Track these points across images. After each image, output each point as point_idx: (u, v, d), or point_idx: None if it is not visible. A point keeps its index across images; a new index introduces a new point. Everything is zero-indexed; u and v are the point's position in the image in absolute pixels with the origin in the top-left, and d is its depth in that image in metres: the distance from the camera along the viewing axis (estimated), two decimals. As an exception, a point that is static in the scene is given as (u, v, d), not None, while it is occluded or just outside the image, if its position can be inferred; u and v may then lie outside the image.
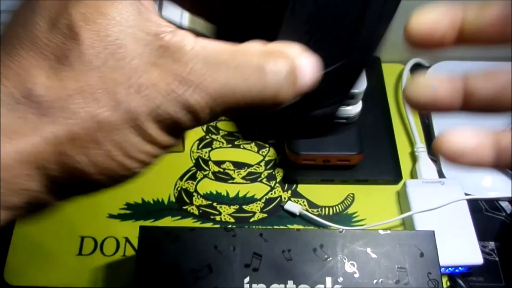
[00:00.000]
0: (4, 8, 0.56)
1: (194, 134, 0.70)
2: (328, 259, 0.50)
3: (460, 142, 0.22)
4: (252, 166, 0.68)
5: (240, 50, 0.23)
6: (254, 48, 0.23)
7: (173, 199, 0.64)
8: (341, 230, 0.52)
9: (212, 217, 0.63)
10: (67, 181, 0.21)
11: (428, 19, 0.22)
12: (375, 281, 0.49)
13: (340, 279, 0.49)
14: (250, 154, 0.69)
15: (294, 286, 0.48)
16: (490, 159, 0.23)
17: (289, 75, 0.23)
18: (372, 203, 0.65)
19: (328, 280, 0.49)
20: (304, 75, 0.24)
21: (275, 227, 0.63)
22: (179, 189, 0.65)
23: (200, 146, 0.69)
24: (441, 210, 0.59)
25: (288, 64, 0.23)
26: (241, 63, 0.22)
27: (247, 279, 0.48)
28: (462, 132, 0.23)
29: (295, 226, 0.63)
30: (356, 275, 0.49)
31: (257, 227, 0.62)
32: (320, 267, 0.49)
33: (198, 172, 0.67)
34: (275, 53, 0.23)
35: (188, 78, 0.21)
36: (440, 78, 0.23)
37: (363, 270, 0.49)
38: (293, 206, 0.64)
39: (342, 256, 0.50)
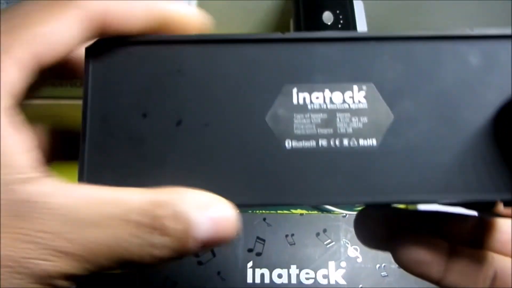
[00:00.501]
0: (4, 7, 0.55)
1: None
2: (331, 244, 0.49)
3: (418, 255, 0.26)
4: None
5: (117, 200, 0.20)
6: (136, 199, 0.20)
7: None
8: (344, 214, 0.51)
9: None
10: None
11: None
12: (378, 265, 0.49)
13: (343, 264, 0.49)
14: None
15: (297, 270, 0.48)
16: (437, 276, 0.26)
17: (179, 235, 0.20)
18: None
19: (331, 264, 0.48)
20: (202, 232, 0.20)
21: (278, 211, 0.62)
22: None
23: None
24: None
25: (178, 223, 0.20)
26: (114, 217, 0.19)
27: (250, 264, 0.48)
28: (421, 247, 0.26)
29: (299, 211, 0.62)
30: (359, 260, 0.49)
31: (260, 211, 0.62)
32: (323, 252, 0.49)
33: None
34: (163, 207, 0.20)
35: (44, 241, 0.18)
36: None
37: (366, 254, 0.49)
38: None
39: (345, 240, 0.49)
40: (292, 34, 0.23)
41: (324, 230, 0.50)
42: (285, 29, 0.70)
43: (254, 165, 0.22)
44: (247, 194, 0.22)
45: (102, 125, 0.23)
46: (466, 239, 0.27)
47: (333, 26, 0.57)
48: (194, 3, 0.63)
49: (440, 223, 0.28)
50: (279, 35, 0.23)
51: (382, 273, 0.48)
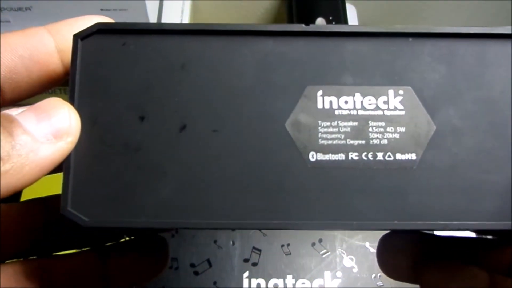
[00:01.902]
0: (5, 6, 0.50)
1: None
2: (327, 254, 0.46)
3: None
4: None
5: None
6: None
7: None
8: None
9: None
10: None
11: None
12: (373, 275, 0.45)
13: (339, 274, 0.45)
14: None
15: (293, 280, 0.44)
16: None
17: None
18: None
19: (327, 274, 0.45)
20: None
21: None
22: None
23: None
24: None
25: None
26: None
27: (246, 274, 0.44)
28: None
29: (293, 219, 0.57)
30: (355, 270, 0.45)
31: (255, 220, 0.57)
32: (319, 262, 0.45)
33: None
34: None
35: None
36: None
37: (362, 264, 0.45)
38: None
39: (341, 250, 0.46)
40: (317, 27, 0.17)
41: (320, 240, 0.46)
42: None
43: (271, 182, 0.17)
44: (261, 216, 0.17)
45: (92, 129, 0.17)
46: (506, 269, 0.21)
47: (326, 32, 0.53)
48: (188, 8, 0.59)
49: (477, 250, 0.22)
50: (301, 27, 0.17)
51: (378, 283, 0.44)
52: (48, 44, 0.18)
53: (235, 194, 0.17)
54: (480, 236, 0.23)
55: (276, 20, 0.66)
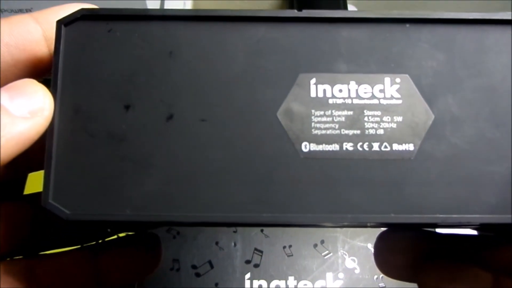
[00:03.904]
0: (5, 7, 0.50)
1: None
2: (329, 255, 0.44)
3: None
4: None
5: None
6: None
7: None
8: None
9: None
10: None
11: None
12: (376, 276, 0.43)
13: (341, 275, 0.43)
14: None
15: (295, 282, 0.43)
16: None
17: None
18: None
19: (329, 275, 0.43)
20: None
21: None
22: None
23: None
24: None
25: None
26: None
27: (248, 275, 0.43)
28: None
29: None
30: (357, 271, 0.44)
31: (258, 222, 0.56)
32: (320, 263, 0.44)
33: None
34: None
35: None
36: None
37: (364, 265, 0.44)
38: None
39: (343, 251, 0.44)
40: (310, 12, 0.16)
41: (322, 241, 0.45)
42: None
43: (261, 174, 0.16)
44: (252, 209, 0.15)
45: (74, 118, 0.16)
46: (510, 268, 0.20)
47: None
48: (189, 3, 0.59)
49: (480, 249, 0.20)
50: (293, 12, 0.16)
51: (380, 284, 0.43)
52: (35, 32, 0.17)
53: (224, 187, 0.16)
54: (482, 234, 0.22)
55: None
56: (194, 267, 0.43)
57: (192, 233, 0.44)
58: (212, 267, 0.43)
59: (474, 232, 0.22)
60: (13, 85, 0.16)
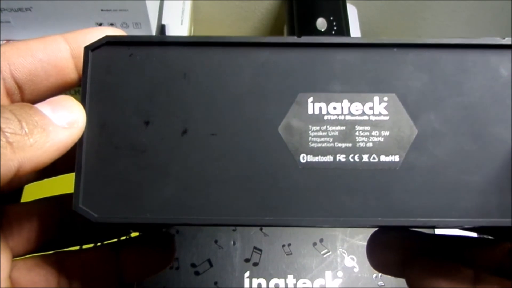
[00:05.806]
0: (5, 7, 0.52)
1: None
2: (328, 253, 0.47)
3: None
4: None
5: None
6: None
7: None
8: (341, 224, 0.47)
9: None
10: None
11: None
12: (374, 275, 0.46)
13: (340, 273, 0.46)
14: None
15: (294, 280, 0.45)
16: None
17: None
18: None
19: (328, 274, 0.46)
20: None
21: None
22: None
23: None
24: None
25: None
26: None
27: (247, 274, 0.45)
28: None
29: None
30: (356, 269, 0.46)
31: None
32: (320, 262, 0.46)
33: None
34: None
35: None
36: None
37: (363, 264, 0.47)
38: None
39: (342, 250, 0.47)
40: (308, 39, 0.20)
41: (321, 240, 0.47)
42: (279, 35, 0.67)
43: (265, 181, 0.19)
44: (256, 213, 0.19)
45: (101, 131, 0.20)
46: (493, 267, 0.23)
47: (327, 32, 0.54)
48: (188, 9, 0.61)
49: (462, 248, 0.24)
50: (294, 39, 0.20)
51: (379, 283, 0.46)
52: (64, 51, 0.21)
53: (232, 193, 0.19)
54: (467, 235, 0.25)
55: (276, 20, 0.68)
56: (193, 265, 0.45)
57: (192, 232, 0.46)
58: (211, 265, 0.45)
59: (460, 233, 0.25)
60: (54, 100, 0.19)
